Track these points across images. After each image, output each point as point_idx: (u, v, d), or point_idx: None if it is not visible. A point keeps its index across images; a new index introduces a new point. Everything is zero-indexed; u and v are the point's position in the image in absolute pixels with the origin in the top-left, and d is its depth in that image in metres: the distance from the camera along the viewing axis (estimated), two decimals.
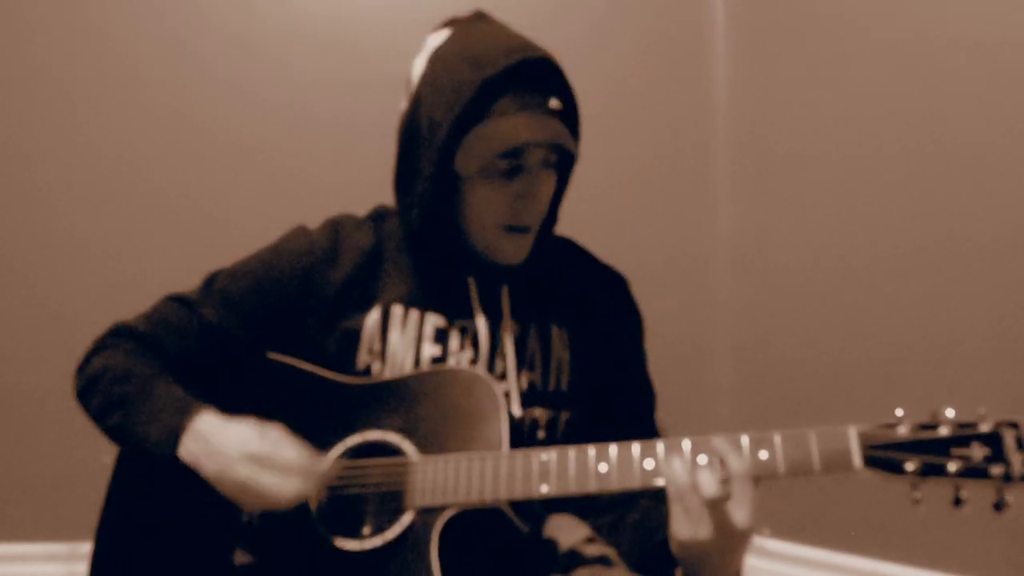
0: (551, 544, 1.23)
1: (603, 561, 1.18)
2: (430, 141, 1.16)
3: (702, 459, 0.96)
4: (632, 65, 1.95)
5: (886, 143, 1.73)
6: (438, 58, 1.18)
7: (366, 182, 1.49)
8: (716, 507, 0.92)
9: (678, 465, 0.96)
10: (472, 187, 1.17)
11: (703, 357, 1.96)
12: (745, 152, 1.96)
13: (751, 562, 1.86)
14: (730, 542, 0.94)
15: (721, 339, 1.96)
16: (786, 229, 1.89)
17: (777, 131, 1.91)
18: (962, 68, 1.63)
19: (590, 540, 1.21)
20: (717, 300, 1.96)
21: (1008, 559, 1.55)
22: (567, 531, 1.24)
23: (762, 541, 1.83)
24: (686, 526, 0.94)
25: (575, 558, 1.18)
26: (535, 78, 1.14)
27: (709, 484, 0.92)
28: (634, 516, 1.19)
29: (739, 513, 0.93)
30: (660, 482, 0.98)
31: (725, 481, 0.93)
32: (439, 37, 1.21)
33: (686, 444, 0.98)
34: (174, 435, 1.10)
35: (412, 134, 1.21)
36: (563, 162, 1.24)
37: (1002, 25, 1.57)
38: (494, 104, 1.12)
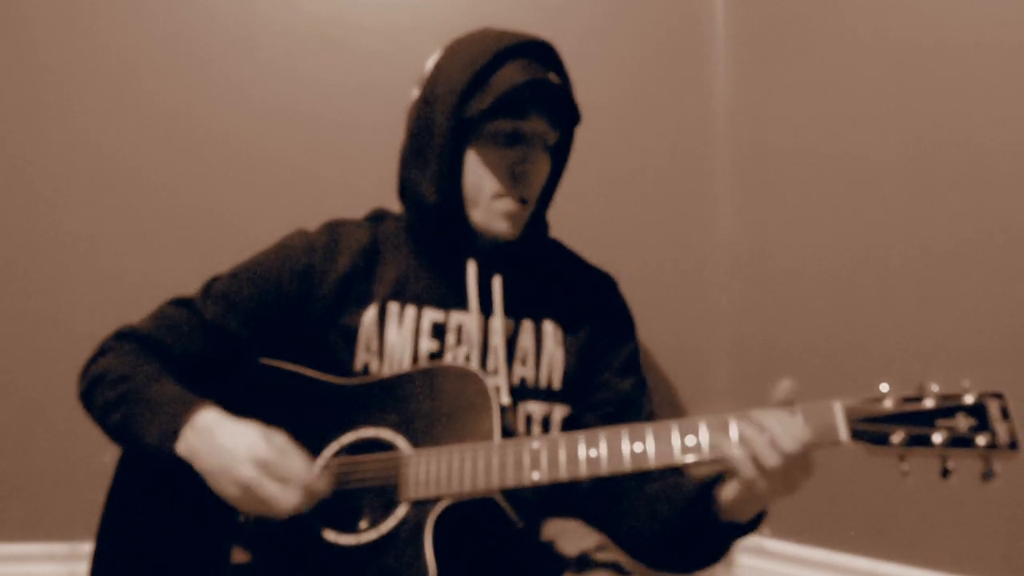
0: (550, 542, 1.23)
1: (615, 567, 1.18)
2: (445, 103, 1.21)
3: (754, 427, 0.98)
4: (632, 66, 1.95)
5: (887, 144, 1.73)
6: (454, 43, 1.28)
7: (366, 183, 1.51)
8: (799, 459, 0.96)
9: (747, 430, 0.97)
10: (475, 154, 1.22)
11: (703, 357, 1.94)
12: (745, 153, 1.96)
13: (750, 562, 1.85)
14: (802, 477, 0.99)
15: (721, 340, 1.95)
16: (786, 230, 1.89)
17: (777, 132, 1.91)
18: (963, 69, 1.63)
19: (600, 548, 1.22)
20: (717, 301, 1.95)
21: (1007, 559, 1.54)
22: (577, 537, 1.24)
23: (761, 541, 1.82)
24: (762, 484, 0.97)
25: (587, 562, 1.19)
26: (539, 57, 1.24)
27: (786, 439, 0.95)
28: (645, 503, 1.18)
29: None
30: (691, 458, 0.99)
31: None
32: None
33: (732, 422, 0.99)
34: (173, 431, 1.10)
35: (426, 108, 1.25)
36: (557, 157, 1.30)
37: (1002, 25, 1.59)
38: (502, 67, 1.20)
